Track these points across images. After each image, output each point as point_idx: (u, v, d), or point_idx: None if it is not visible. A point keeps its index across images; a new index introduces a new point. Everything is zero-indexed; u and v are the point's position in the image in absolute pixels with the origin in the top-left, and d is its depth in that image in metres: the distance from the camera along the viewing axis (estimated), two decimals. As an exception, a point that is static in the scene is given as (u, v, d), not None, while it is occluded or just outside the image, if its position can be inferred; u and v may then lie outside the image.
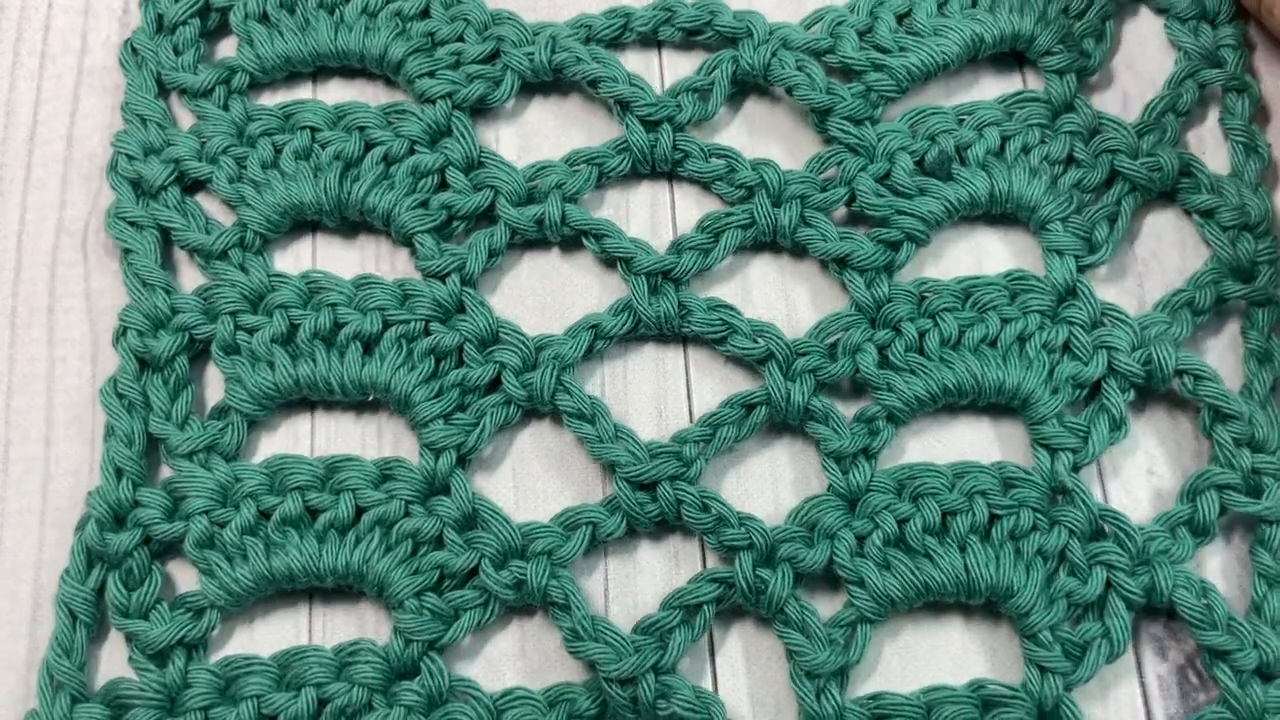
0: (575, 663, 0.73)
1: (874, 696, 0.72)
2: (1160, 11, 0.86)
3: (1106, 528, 0.74)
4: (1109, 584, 0.72)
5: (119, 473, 0.74)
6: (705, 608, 0.72)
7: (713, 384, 0.79)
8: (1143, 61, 0.86)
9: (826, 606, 0.73)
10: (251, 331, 0.77)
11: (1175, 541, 0.74)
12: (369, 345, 0.77)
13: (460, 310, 0.77)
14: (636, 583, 0.75)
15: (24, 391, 0.78)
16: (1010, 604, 0.72)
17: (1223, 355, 0.79)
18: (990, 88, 0.85)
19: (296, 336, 0.77)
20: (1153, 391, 0.78)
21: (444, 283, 0.78)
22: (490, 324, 0.77)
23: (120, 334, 0.77)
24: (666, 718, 0.70)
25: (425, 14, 0.84)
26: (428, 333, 0.77)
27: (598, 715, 0.71)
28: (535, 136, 0.84)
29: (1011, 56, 0.86)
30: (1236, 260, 0.79)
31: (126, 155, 0.80)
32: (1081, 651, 0.71)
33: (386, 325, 0.77)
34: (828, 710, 0.70)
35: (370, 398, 0.77)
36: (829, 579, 0.74)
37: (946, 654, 0.74)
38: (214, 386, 0.78)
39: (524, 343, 0.77)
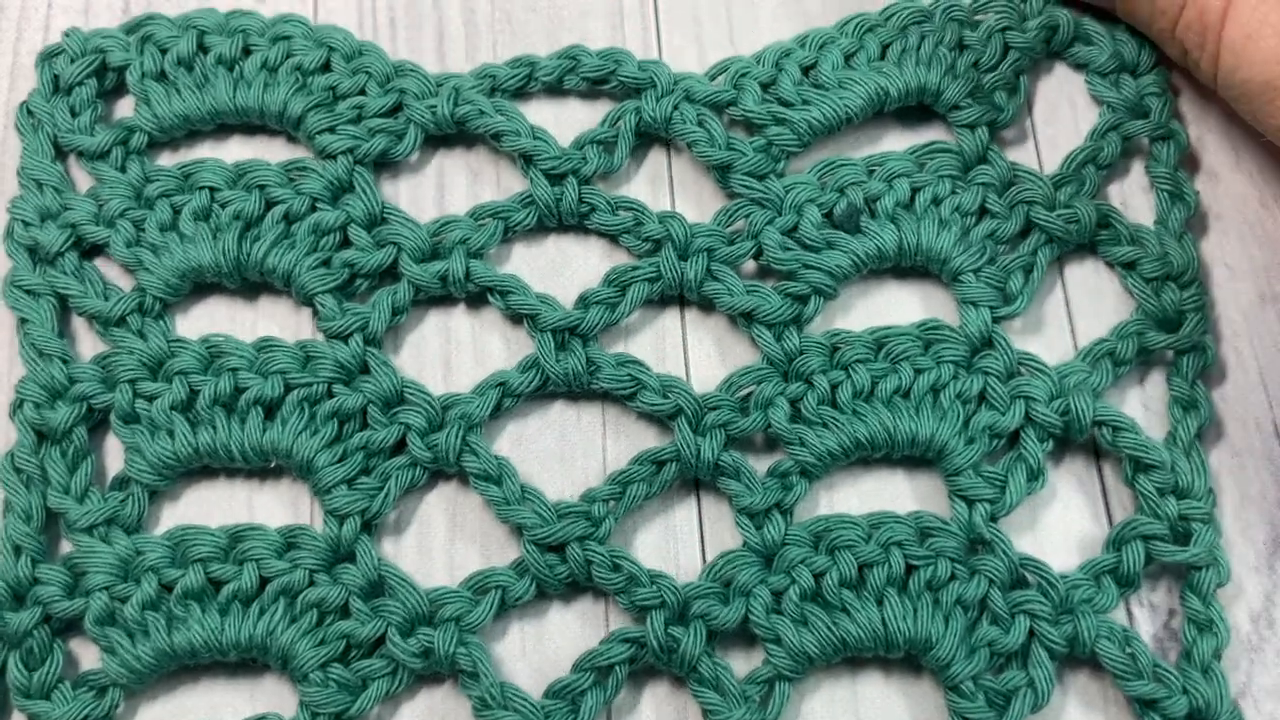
0: None
1: None
2: (1079, 67, 0.85)
3: (1029, 577, 0.74)
4: (1032, 633, 0.72)
5: (17, 550, 0.73)
6: (618, 668, 0.71)
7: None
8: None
9: (744, 664, 0.73)
10: (151, 399, 0.75)
11: (1099, 590, 0.73)
12: (270, 410, 0.75)
13: (364, 371, 0.76)
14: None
15: (24, 395, 0.77)
16: (930, 656, 0.72)
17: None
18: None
19: (196, 403, 0.75)
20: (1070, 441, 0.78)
21: (346, 343, 0.76)
22: (394, 384, 0.76)
23: (16, 406, 0.75)
24: None
25: (326, 68, 0.83)
26: (331, 395, 0.76)
27: None
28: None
29: (921, 110, 0.85)
30: (1162, 310, 0.78)
31: (23, 221, 0.79)
32: (1005, 700, 0.71)
33: (288, 389, 0.76)
34: None
35: (273, 464, 0.76)
36: (746, 635, 0.74)
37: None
38: (114, 456, 0.77)
39: (429, 403, 0.76)
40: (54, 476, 0.74)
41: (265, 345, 0.77)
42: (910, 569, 0.73)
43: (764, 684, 0.71)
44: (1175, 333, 0.78)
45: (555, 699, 0.71)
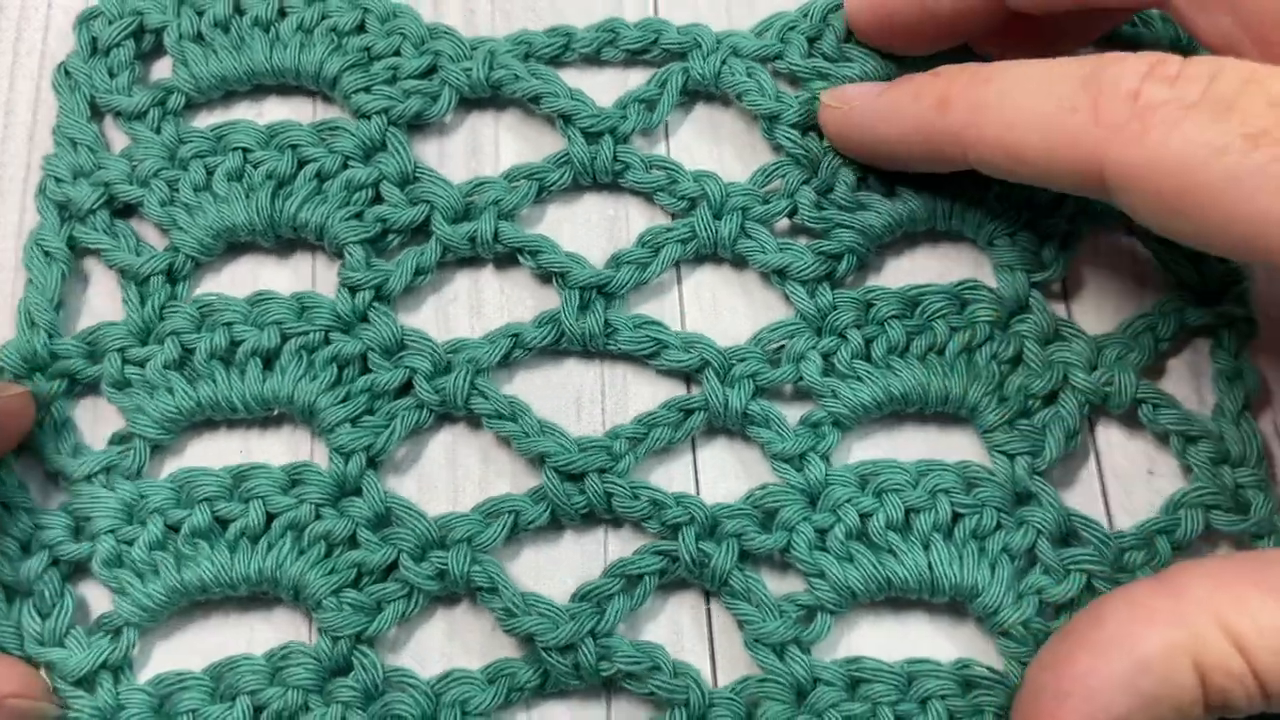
0: (510, 645, 0.72)
1: (851, 660, 0.71)
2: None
3: (1082, 533, 0.73)
4: (1090, 589, 0.71)
5: (6, 506, 0.73)
6: (647, 578, 0.72)
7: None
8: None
9: (784, 588, 0.73)
10: (141, 364, 0.76)
11: (1154, 551, 0.72)
12: (269, 360, 0.76)
13: (364, 320, 0.76)
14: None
15: (23, 390, 0.78)
16: (977, 603, 0.71)
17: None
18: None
19: (193, 360, 0.76)
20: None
21: (353, 295, 0.76)
22: (394, 332, 0.76)
23: None
24: (612, 677, 0.70)
25: (361, 29, 0.83)
26: (328, 342, 0.76)
27: (539, 685, 0.71)
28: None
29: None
30: (1201, 284, 0.77)
31: (55, 178, 0.79)
32: None
33: (285, 338, 0.76)
34: (797, 670, 0.70)
35: (275, 412, 0.76)
36: (781, 565, 0.74)
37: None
38: (103, 421, 0.77)
39: (433, 349, 0.75)
40: (42, 440, 0.74)
41: (258, 299, 0.77)
42: (956, 516, 0.73)
43: (802, 608, 0.71)
44: (1214, 307, 0.76)
45: (582, 602, 0.71)
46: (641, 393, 0.78)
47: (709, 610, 0.74)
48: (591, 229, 0.81)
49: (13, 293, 0.79)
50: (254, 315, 0.76)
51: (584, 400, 0.78)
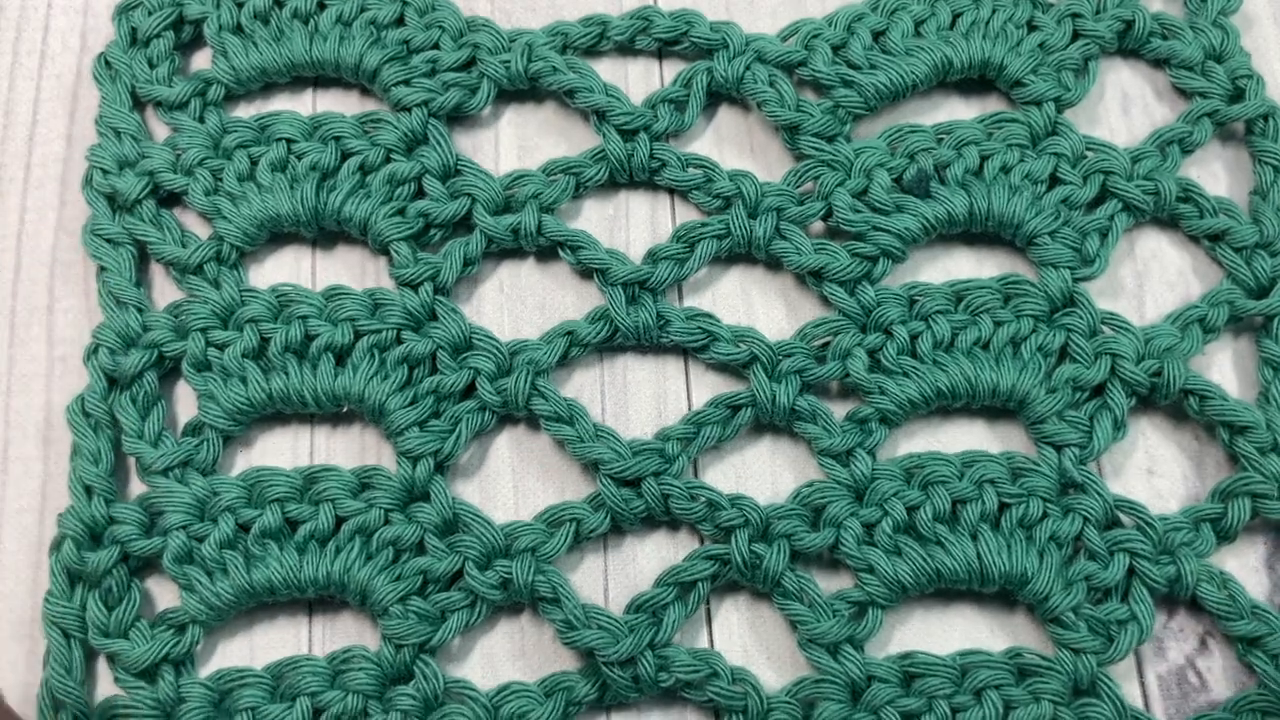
0: (569, 654, 0.73)
1: (904, 655, 0.72)
2: (1160, 63, 0.85)
3: (1126, 518, 0.74)
4: (1132, 571, 0.73)
5: (89, 490, 0.73)
6: (700, 584, 0.72)
7: (713, 382, 0.79)
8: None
9: (834, 586, 0.74)
10: (222, 347, 0.76)
11: (1198, 536, 0.74)
12: (341, 356, 0.76)
13: (432, 318, 0.77)
14: (637, 564, 0.76)
15: (24, 391, 0.78)
16: (1026, 590, 0.72)
17: (1223, 364, 0.80)
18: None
19: (268, 350, 0.76)
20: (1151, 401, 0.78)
21: (416, 291, 0.77)
22: (463, 330, 0.76)
23: (91, 351, 0.76)
24: (669, 687, 0.71)
25: (400, 22, 0.83)
26: (399, 341, 0.76)
27: (598, 699, 0.71)
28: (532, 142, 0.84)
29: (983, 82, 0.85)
30: (1254, 279, 0.79)
31: (101, 169, 0.79)
32: (1106, 628, 0.72)
33: (358, 335, 0.76)
34: (851, 669, 0.71)
35: (344, 409, 0.77)
36: (830, 563, 0.75)
37: (961, 639, 0.74)
38: (185, 405, 0.78)
39: (497, 349, 0.76)
40: (126, 422, 0.74)
41: (333, 293, 0.78)
42: (1003, 506, 0.74)
43: (854, 605, 0.72)
44: (1266, 299, 0.78)
45: (637, 613, 0.72)
46: (640, 376, 0.79)
47: (708, 606, 0.75)
48: (590, 229, 0.81)
49: (12, 293, 0.80)
50: (329, 310, 0.77)
51: (585, 389, 0.79)
